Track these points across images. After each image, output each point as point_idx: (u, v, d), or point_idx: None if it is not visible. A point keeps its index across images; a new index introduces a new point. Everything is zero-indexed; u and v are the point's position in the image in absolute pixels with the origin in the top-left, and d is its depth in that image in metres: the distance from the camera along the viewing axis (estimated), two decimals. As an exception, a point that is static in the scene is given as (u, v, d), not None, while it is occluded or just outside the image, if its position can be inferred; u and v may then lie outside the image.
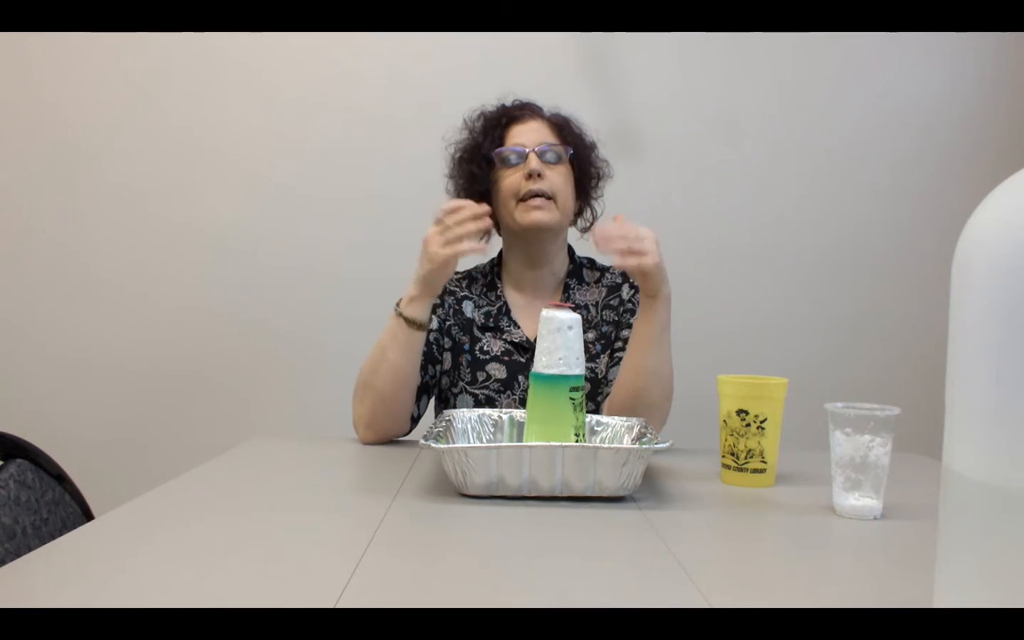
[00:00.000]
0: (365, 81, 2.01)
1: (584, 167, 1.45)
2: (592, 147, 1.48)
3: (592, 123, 1.50)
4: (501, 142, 1.41)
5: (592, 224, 1.51)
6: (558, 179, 1.38)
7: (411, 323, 1.27)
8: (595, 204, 1.51)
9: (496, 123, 1.43)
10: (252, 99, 2.01)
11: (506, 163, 1.40)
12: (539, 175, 1.36)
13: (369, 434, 1.30)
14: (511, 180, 1.38)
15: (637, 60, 2.01)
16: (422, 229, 1.26)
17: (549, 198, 1.37)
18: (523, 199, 1.37)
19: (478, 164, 1.42)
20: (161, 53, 2.00)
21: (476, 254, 1.27)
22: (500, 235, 1.48)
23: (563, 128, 1.43)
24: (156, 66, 2.00)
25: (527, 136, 1.40)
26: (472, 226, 1.22)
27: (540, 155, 1.38)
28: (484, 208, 1.24)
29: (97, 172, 2.01)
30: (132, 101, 2.00)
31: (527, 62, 1.95)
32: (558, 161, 1.39)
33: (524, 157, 1.38)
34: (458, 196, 1.46)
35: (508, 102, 1.47)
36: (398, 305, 1.28)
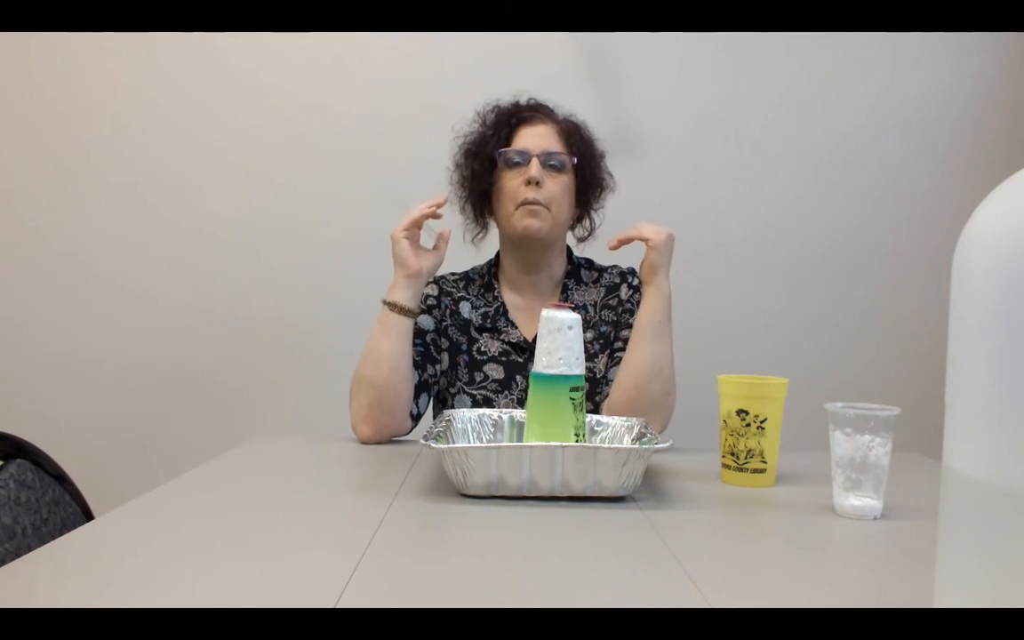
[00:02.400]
0: (366, 81, 2.01)
1: (587, 177, 1.44)
2: (600, 158, 1.47)
3: (592, 123, 1.50)
4: (508, 142, 1.41)
5: (590, 234, 1.51)
6: (556, 189, 1.38)
7: (393, 307, 1.29)
8: (595, 215, 1.50)
9: (506, 121, 1.42)
10: (252, 99, 2.01)
11: (509, 165, 1.40)
12: (537, 183, 1.36)
13: (366, 429, 1.29)
14: (512, 184, 1.38)
15: (637, 60, 2.01)
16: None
17: (545, 207, 1.36)
18: (520, 205, 1.37)
19: (481, 162, 1.42)
20: (161, 53, 2.00)
21: (428, 245, 1.33)
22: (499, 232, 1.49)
23: (572, 135, 1.42)
24: (156, 66, 2.00)
25: (533, 140, 1.39)
26: (425, 208, 1.28)
27: (543, 162, 1.37)
28: (442, 196, 1.31)
29: (97, 172, 2.01)
30: (132, 101, 2.00)
31: (527, 62, 1.95)
32: (561, 170, 1.39)
33: (527, 161, 1.38)
34: (461, 188, 1.47)
35: (523, 100, 1.46)
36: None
